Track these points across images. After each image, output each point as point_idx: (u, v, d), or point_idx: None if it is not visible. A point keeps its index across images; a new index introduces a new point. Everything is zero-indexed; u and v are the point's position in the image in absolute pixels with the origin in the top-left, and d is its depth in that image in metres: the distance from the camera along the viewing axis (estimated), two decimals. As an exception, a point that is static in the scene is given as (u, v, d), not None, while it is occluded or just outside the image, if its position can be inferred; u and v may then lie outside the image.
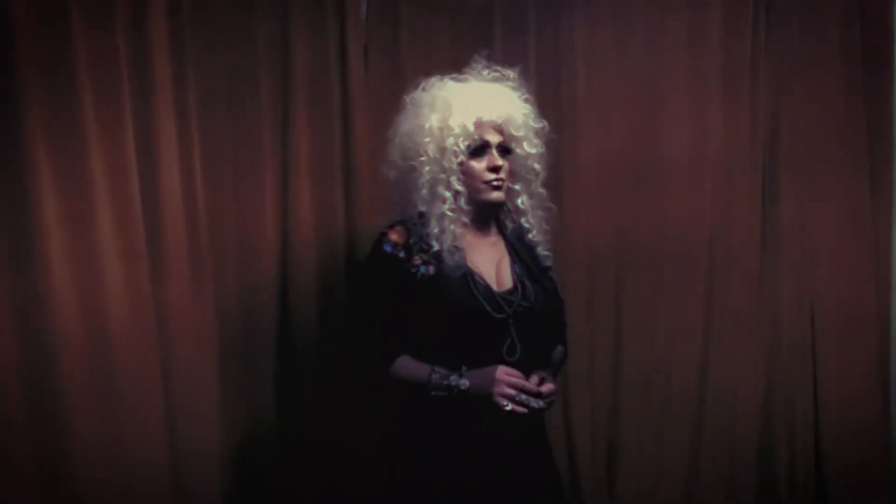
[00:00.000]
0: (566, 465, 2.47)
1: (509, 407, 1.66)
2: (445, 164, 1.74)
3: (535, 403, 1.69)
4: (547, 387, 1.73)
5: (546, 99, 2.35)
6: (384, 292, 1.74)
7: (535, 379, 1.73)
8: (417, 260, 1.73)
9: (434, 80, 1.84)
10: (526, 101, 1.84)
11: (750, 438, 2.45)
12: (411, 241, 1.74)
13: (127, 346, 1.86)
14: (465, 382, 1.67)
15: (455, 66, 1.94)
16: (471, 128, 1.74)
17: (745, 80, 2.40)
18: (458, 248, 1.74)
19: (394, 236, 1.75)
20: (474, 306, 1.70)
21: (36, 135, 1.72)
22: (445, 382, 1.68)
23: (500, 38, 2.44)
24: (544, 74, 2.45)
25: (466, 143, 1.74)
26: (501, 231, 1.89)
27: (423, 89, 1.83)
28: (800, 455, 2.41)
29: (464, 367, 1.69)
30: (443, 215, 1.73)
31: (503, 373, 1.67)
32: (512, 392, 1.66)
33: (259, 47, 2.18)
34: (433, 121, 1.75)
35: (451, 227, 1.73)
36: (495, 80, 1.84)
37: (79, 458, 1.78)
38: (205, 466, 2.05)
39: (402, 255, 1.73)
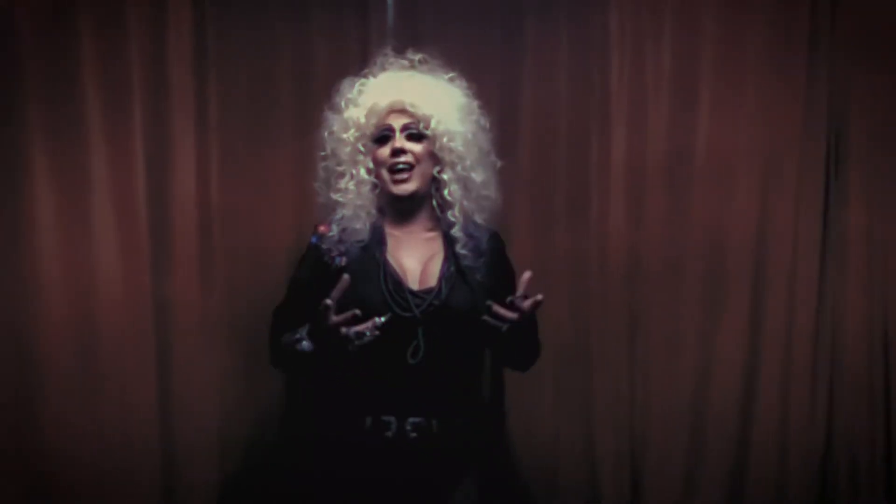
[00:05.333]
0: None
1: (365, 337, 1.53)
2: (344, 156, 1.77)
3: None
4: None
5: (578, 91, 2.21)
6: (301, 283, 1.78)
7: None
8: (335, 251, 1.75)
9: (345, 80, 1.84)
10: (450, 79, 1.81)
11: (805, 499, 2.11)
12: (333, 233, 1.78)
13: (119, 335, 2.00)
14: (307, 344, 1.60)
15: (484, 61, 2.02)
16: (362, 119, 1.76)
17: (803, 57, 2.13)
18: (361, 241, 1.75)
19: (322, 228, 1.80)
20: (376, 301, 1.66)
21: (34, 129, 1.92)
22: (295, 337, 1.63)
23: (531, 31, 2.30)
24: (576, 67, 2.26)
25: (358, 133, 1.76)
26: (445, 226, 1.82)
27: (336, 91, 1.84)
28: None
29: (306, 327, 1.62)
30: (344, 205, 1.76)
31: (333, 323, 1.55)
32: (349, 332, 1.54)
33: (280, 49, 2.23)
34: (332, 120, 1.81)
35: (353, 218, 1.74)
36: (402, 68, 1.83)
37: (64, 450, 1.94)
38: (202, 457, 2.11)
39: (325, 246, 1.77)
